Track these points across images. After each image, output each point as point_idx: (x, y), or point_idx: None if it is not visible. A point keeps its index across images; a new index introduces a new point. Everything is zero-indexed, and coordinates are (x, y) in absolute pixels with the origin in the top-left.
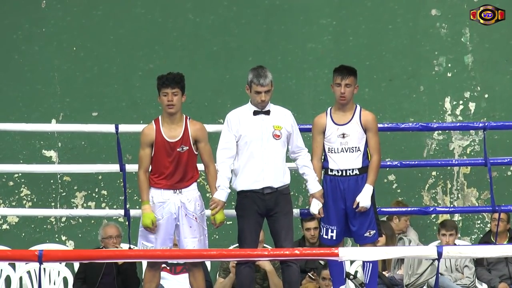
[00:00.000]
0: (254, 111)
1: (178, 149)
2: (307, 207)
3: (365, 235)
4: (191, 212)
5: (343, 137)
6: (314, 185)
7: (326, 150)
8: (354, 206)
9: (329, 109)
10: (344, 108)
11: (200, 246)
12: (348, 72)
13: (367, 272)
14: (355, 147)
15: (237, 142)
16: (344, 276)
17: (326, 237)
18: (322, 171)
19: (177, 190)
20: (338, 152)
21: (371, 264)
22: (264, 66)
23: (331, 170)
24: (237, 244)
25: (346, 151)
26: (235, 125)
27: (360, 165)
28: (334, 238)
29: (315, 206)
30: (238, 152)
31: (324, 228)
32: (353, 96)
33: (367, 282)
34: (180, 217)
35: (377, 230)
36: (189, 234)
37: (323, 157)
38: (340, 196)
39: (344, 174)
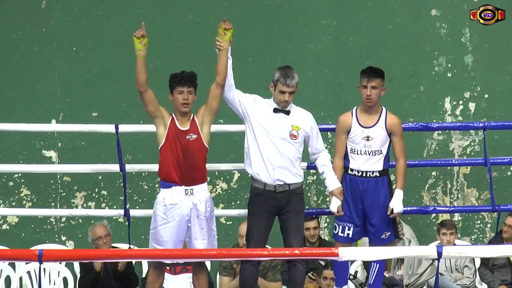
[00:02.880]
0: (275, 108)
1: (187, 137)
2: (307, 206)
3: (382, 237)
4: (202, 213)
5: (368, 140)
6: (332, 182)
7: (349, 150)
8: (388, 213)
9: (354, 108)
10: (370, 110)
11: (209, 248)
12: (375, 74)
13: (373, 272)
14: (378, 151)
15: (253, 130)
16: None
17: (342, 234)
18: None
19: (189, 191)
20: (360, 154)
21: (378, 264)
22: (291, 67)
23: (352, 170)
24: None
25: (369, 154)
26: (253, 105)
27: (381, 168)
28: (351, 236)
29: (334, 204)
30: (251, 147)
31: (340, 226)
32: (380, 99)
33: (371, 282)
34: (192, 218)
35: (392, 231)
36: (200, 236)
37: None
38: (359, 196)
39: (364, 175)
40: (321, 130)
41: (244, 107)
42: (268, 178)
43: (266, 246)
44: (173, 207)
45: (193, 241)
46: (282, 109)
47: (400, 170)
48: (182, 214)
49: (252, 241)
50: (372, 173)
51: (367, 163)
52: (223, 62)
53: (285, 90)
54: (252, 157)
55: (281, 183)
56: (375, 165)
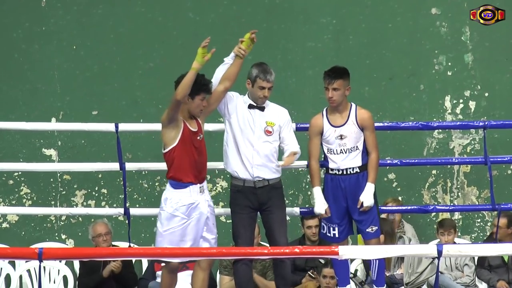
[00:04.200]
0: (250, 104)
1: (198, 138)
2: (307, 205)
3: (367, 230)
4: (212, 209)
5: (341, 138)
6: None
7: (326, 151)
8: (358, 206)
9: (324, 109)
10: (339, 109)
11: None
12: (334, 76)
13: (374, 269)
14: (353, 147)
15: (227, 119)
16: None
17: (329, 235)
18: (323, 170)
19: (201, 188)
20: (337, 153)
21: (377, 261)
22: (266, 63)
23: (332, 169)
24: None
25: (345, 152)
26: (234, 102)
27: (360, 163)
28: (337, 235)
29: (322, 206)
30: (228, 145)
31: (326, 226)
32: (346, 97)
33: (374, 278)
34: (210, 215)
35: (379, 226)
36: (214, 231)
37: (323, 157)
38: (342, 194)
39: (344, 173)
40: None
41: (227, 105)
42: (247, 175)
43: (263, 243)
44: (191, 205)
45: (209, 238)
46: (257, 106)
47: (372, 163)
48: (202, 212)
49: (239, 239)
50: (352, 170)
51: (345, 161)
52: (237, 70)
53: (265, 86)
54: (229, 155)
55: (260, 179)
56: (353, 161)
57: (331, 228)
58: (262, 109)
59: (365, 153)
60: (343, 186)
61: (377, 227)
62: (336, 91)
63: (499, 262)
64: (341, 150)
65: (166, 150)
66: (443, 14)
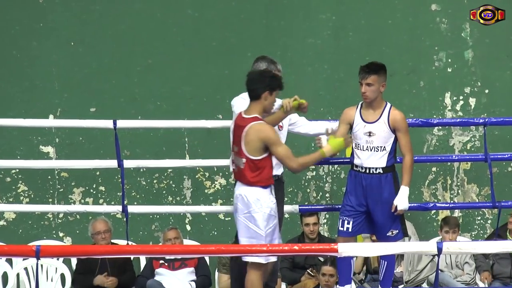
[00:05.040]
0: None
1: None
2: (306, 203)
3: (387, 234)
4: None
5: (369, 135)
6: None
7: (354, 145)
8: (392, 210)
9: (360, 103)
10: (373, 106)
11: None
12: (369, 71)
13: (382, 269)
14: (381, 147)
15: None
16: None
17: (341, 228)
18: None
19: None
20: (363, 150)
21: (386, 262)
22: None
23: (356, 166)
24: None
25: (371, 150)
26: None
27: (384, 165)
28: (350, 230)
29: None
30: None
31: (341, 220)
32: (381, 94)
33: (381, 279)
34: None
35: (401, 229)
36: None
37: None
38: (362, 192)
39: (367, 171)
40: (318, 124)
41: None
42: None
43: None
44: (275, 204)
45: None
46: None
47: (406, 166)
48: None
49: None
50: (376, 170)
51: (370, 159)
52: (277, 122)
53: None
54: None
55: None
56: (378, 161)
57: (345, 222)
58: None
59: (392, 155)
60: (364, 184)
61: (397, 231)
62: (370, 86)
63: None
64: (367, 147)
65: (262, 156)
66: (443, 10)
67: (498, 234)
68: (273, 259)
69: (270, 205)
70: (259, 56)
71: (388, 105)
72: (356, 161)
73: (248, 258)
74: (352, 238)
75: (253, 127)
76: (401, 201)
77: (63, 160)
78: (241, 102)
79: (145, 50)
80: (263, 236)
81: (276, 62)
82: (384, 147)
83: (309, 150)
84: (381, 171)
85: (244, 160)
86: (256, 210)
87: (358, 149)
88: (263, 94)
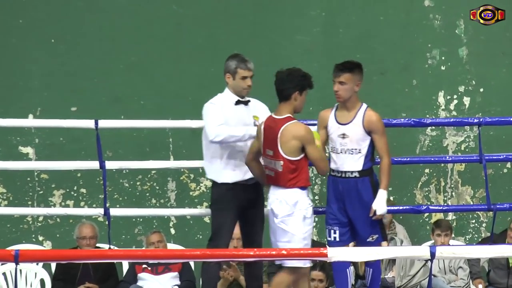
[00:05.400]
0: (237, 100)
1: None
2: None
3: (368, 240)
4: None
5: (343, 137)
6: None
7: (330, 148)
8: (371, 215)
9: (336, 105)
10: (347, 107)
11: None
12: (341, 69)
13: (368, 277)
14: (355, 149)
15: None
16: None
17: (330, 238)
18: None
19: None
20: (338, 153)
21: (371, 269)
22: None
23: (333, 171)
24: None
25: (345, 153)
26: (221, 110)
27: (360, 168)
28: (338, 239)
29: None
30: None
31: (327, 230)
32: (356, 94)
33: (368, 285)
34: None
35: (380, 234)
36: None
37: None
38: (340, 197)
39: (343, 175)
40: (309, 126)
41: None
42: (239, 177)
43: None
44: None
45: None
46: (242, 101)
47: (383, 169)
48: None
49: (222, 238)
50: (352, 173)
51: (345, 163)
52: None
53: (247, 75)
54: (222, 161)
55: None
56: (354, 164)
57: (332, 231)
58: (246, 103)
59: (369, 158)
60: (341, 189)
61: (377, 235)
62: (343, 85)
63: (503, 262)
64: (341, 149)
65: (300, 157)
66: (437, 6)
67: (494, 240)
68: (309, 264)
69: (308, 208)
70: (231, 54)
71: (364, 106)
72: (333, 165)
73: (288, 263)
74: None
75: (288, 127)
76: (379, 205)
77: (43, 161)
78: (212, 109)
79: (128, 48)
80: (301, 239)
81: (247, 60)
82: (359, 149)
83: None
84: (358, 175)
85: (281, 162)
86: (294, 213)
87: (333, 152)
88: (293, 94)
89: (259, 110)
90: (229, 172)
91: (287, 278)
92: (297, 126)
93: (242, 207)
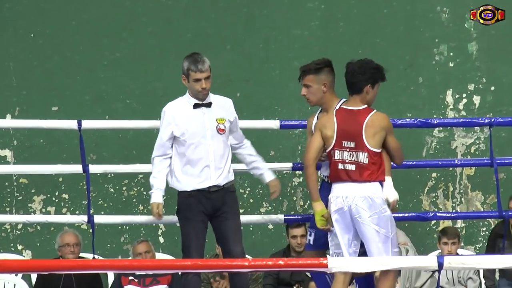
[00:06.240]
0: (195, 104)
1: None
2: (292, 212)
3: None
4: None
5: None
6: (269, 173)
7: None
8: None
9: (320, 108)
10: (325, 109)
11: None
12: (303, 70)
13: None
14: None
15: (177, 137)
16: None
17: (306, 242)
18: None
19: None
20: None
21: (357, 284)
22: (199, 53)
23: (326, 177)
24: (214, 253)
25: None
26: (174, 119)
27: None
28: (312, 242)
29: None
30: (178, 150)
31: (308, 232)
32: (327, 94)
33: None
34: None
35: None
36: None
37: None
38: (325, 201)
39: (327, 180)
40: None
41: (180, 134)
42: (202, 184)
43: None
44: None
45: None
46: (202, 103)
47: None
48: None
49: (191, 247)
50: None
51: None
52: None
53: (199, 77)
54: (182, 169)
55: (215, 183)
56: None
57: (308, 234)
58: (209, 105)
59: None
60: (326, 194)
61: None
62: (308, 87)
63: None
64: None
65: (380, 149)
66: None
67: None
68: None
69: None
70: (188, 54)
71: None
72: (326, 172)
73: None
74: (318, 253)
75: (373, 117)
76: (389, 192)
77: (22, 165)
78: (163, 121)
79: (112, 43)
80: (391, 239)
81: (200, 61)
82: None
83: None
84: None
85: (366, 154)
86: (383, 211)
87: (324, 158)
88: (365, 88)
89: (223, 109)
90: (188, 179)
91: (394, 281)
92: (382, 116)
93: (207, 215)
